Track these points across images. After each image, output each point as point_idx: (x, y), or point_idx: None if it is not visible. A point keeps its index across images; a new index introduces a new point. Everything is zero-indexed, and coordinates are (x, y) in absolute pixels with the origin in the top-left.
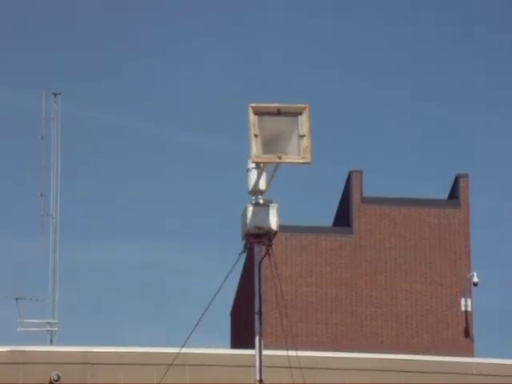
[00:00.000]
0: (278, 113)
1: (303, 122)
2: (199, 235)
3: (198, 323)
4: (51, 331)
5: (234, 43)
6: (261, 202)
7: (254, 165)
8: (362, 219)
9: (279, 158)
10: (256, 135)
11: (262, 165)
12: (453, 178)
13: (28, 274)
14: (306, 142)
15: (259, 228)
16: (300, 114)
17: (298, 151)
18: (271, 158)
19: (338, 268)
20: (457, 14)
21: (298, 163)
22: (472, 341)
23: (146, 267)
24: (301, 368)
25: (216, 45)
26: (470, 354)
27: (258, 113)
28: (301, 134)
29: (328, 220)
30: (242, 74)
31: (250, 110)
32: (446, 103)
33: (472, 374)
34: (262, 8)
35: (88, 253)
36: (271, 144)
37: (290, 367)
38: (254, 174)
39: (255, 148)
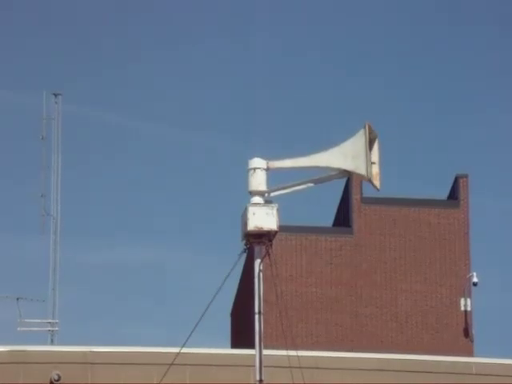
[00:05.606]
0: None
1: (375, 149)
2: (199, 235)
3: (198, 323)
4: (52, 331)
5: (234, 43)
6: (261, 202)
7: (264, 165)
8: (361, 219)
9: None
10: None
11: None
12: (452, 179)
13: (29, 273)
14: (376, 168)
15: (259, 228)
16: (373, 140)
17: (368, 175)
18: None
19: (337, 268)
20: (457, 13)
21: (373, 186)
22: (471, 341)
23: (146, 267)
24: (301, 368)
25: (216, 45)
26: (470, 353)
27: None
28: (372, 160)
29: (328, 220)
30: (242, 74)
31: (367, 127)
32: (446, 103)
33: (471, 374)
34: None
35: (88, 253)
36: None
37: (290, 367)
38: (255, 175)
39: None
